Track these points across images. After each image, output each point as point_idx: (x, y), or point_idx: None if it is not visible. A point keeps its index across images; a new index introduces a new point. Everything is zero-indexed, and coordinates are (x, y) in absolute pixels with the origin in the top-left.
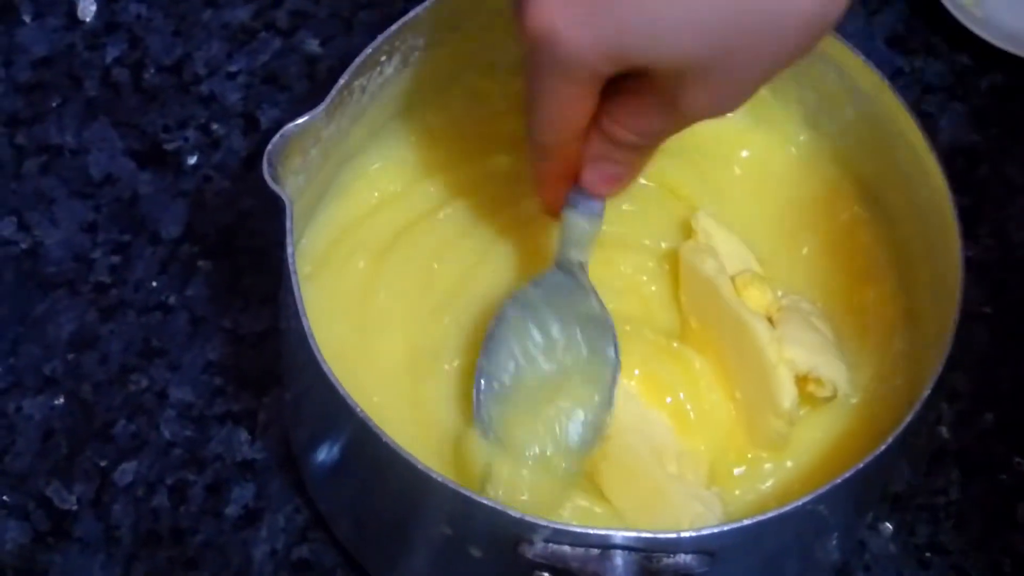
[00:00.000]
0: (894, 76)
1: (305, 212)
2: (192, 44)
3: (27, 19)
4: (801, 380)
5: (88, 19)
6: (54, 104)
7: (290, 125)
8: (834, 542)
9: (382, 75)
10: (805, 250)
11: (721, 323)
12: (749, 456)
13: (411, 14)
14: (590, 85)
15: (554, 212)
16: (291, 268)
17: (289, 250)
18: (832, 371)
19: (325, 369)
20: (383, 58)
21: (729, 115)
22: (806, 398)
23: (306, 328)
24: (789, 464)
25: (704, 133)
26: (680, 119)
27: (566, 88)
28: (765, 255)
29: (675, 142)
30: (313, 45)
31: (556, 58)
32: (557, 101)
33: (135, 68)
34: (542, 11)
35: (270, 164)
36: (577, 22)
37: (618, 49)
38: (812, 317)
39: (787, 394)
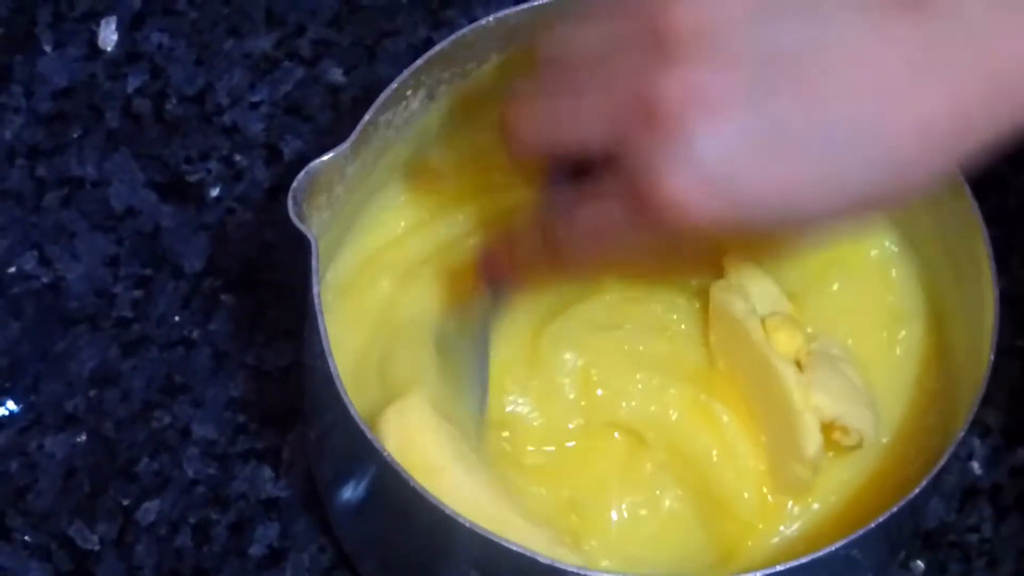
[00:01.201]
0: None
1: (330, 247)
2: (214, 74)
3: (48, 49)
4: (827, 428)
5: (109, 49)
6: (75, 135)
7: (315, 162)
8: None
9: (407, 109)
10: (836, 286)
11: (749, 365)
12: (770, 499)
13: (436, 48)
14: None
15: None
16: (317, 308)
17: (315, 289)
18: (859, 420)
19: (351, 410)
20: (408, 92)
21: None
22: (831, 445)
23: (332, 369)
24: (816, 506)
25: None
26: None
27: (648, 239)
28: (795, 292)
29: None
30: (337, 74)
31: (669, 225)
32: (627, 243)
33: (157, 98)
34: (678, 185)
35: (295, 202)
36: (709, 200)
37: (734, 222)
38: (842, 363)
39: (812, 441)
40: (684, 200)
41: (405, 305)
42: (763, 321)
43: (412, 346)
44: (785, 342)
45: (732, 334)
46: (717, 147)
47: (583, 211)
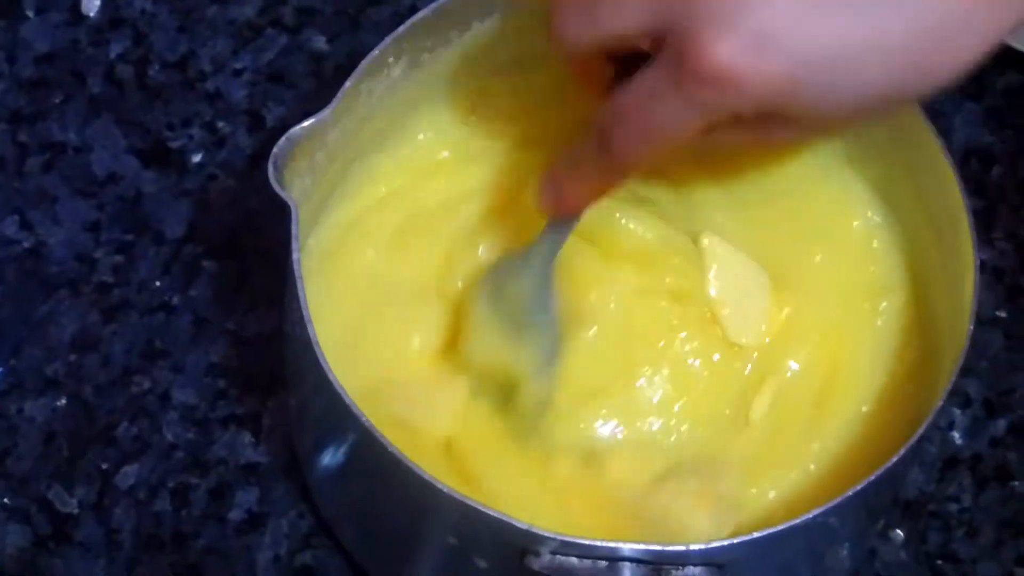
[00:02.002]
0: None
1: (312, 214)
2: (197, 41)
3: (30, 14)
4: None
5: (92, 14)
6: (57, 101)
7: (295, 128)
8: (845, 552)
9: (389, 76)
10: (818, 258)
11: None
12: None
13: (419, 15)
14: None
15: (555, 211)
16: (296, 274)
17: (295, 256)
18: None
19: (330, 376)
20: (390, 59)
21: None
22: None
23: (311, 336)
24: (796, 475)
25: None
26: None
27: (701, 119)
28: (778, 261)
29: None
30: (320, 42)
31: (722, 94)
32: (680, 126)
33: (139, 65)
34: (727, 49)
35: (275, 168)
36: (758, 62)
37: (785, 86)
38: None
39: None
40: (734, 64)
41: (392, 270)
42: None
43: (403, 310)
44: None
45: None
46: (763, 4)
47: (633, 99)
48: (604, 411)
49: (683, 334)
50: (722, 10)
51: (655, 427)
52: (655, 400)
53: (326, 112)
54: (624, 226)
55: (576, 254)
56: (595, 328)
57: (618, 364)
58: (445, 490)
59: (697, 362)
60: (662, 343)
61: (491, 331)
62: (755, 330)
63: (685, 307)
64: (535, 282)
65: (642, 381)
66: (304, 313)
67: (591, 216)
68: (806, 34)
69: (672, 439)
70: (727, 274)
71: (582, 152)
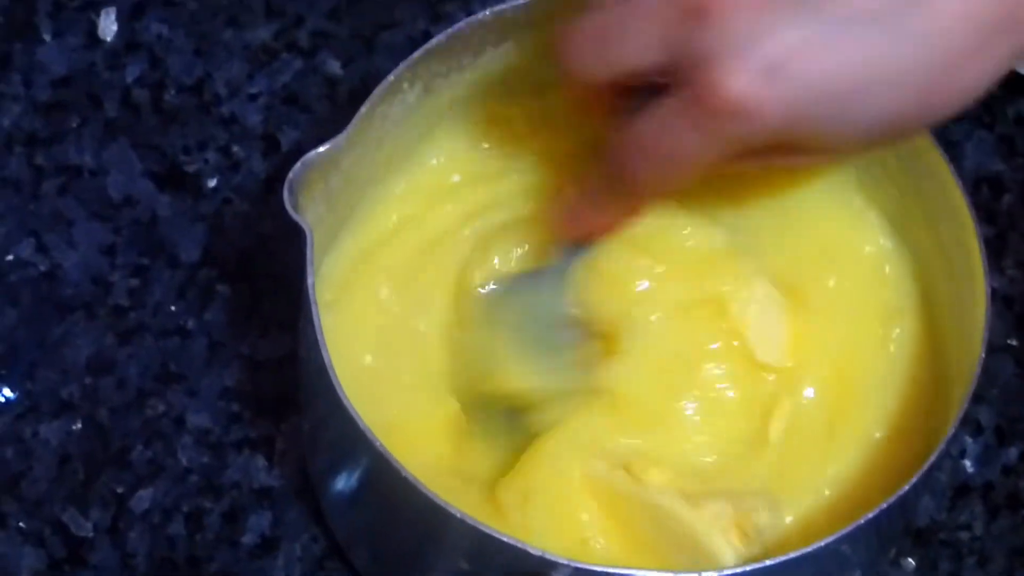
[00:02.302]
0: None
1: (326, 239)
2: (213, 64)
3: (47, 37)
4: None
5: (109, 38)
6: (73, 124)
7: (311, 153)
8: None
9: (404, 102)
10: (832, 282)
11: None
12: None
13: (433, 41)
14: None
15: (571, 238)
16: (311, 299)
17: (309, 280)
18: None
19: (344, 402)
20: (405, 85)
21: None
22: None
23: (326, 360)
24: (807, 502)
25: None
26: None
27: (717, 151)
28: (793, 287)
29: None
30: (335, 66)
31: (735, 124)
32: (696, 157)
33: (155, 88)
34: (739, 80)
35: (291, 192)
36: (771, 91)
37: (798, 113)
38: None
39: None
40: (748, 96)
41: (404, 298)
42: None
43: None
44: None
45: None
46: (772, 36)
47: (648, 131)
48: (645, 427)
49: (716, 349)
50: (735, 42)
51: (690, 446)
52: (694, 419)
53: (341, 137)
54: (688, 235)
55: (619, 261)
56: (641, 340)
57: (661, 380)
58: (458, 515)
59: (728, 383)
60: (701, 360)
61: (500, 355)
62: (778, 351)
63: (719, 323)
64: (550, 305)
65: (683, 400)
66: (319, 337)
67: (649, 222)
68: (817, 64)
69: (705, 459)
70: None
71: (598, 181)
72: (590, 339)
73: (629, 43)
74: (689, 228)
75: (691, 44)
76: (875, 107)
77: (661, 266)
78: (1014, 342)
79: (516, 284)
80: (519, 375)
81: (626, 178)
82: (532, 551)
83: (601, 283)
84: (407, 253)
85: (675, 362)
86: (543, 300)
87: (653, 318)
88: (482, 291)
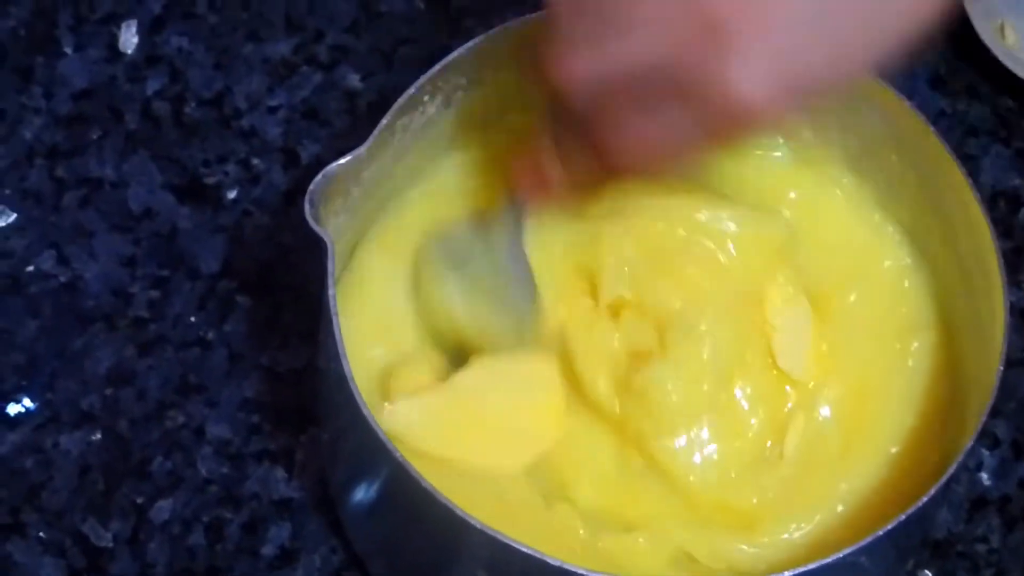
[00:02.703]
0: (937, 118)
1: (346, 250)
2: (233, 78)
3: (68, 51)
4: None
5: (130, 51)
6: (94, 137)
7: (332, 165)
8: None
9: (424, 115)
10: (853, 297)
11: None
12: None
13: (453, 55)
14: None
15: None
16: (332, 310)
17: (330, 292)
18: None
19: (364, 412)
20: (425, 98)
21: (776, 156)
22: None
23: (346, 371)
24: (823, 515)
25: (750, 177)
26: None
27: (711, 143)
28: (817, 302)
29: (725, 187)
30: (354, 80)
31: (743, 124)
32: (686, 148)
33: (176, 101)
34: (751, 86)
35: (312, 204)
36: (780, 91)
37: (800, 102)
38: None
39: None
40: (758, 98)
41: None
42: None
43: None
44: None
45: None
46: (779, 41)
47: (641, 122)
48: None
49: (748, 364)
50: (742, 49)
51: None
52: (713, 430)
53: (362, 149)
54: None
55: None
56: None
57: (691, 392)
58: (478, 525)
59: (751, 402)
60: (732, 379)
61: (452, 297)
62: (800, 361)
63: (756, 329)
64: (501, 259)
65: (706, 415)
66: (339, 349)
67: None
68: (818, 54)
69: (715, 473)
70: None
71: (575, 148)
72: (539, 296)
73: (629, 39)
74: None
75: (701, 57)
76: (864, 66)
77: (723, 255)
78: None
79: (466, 233)
80: (469, 319)
81: (612, 158)
82: (550, 560)
83: (660, 267)
84: (427, 257)
85: (709, 375)
86: (495, 251)
87: (703, 327)
88: (436, 242)
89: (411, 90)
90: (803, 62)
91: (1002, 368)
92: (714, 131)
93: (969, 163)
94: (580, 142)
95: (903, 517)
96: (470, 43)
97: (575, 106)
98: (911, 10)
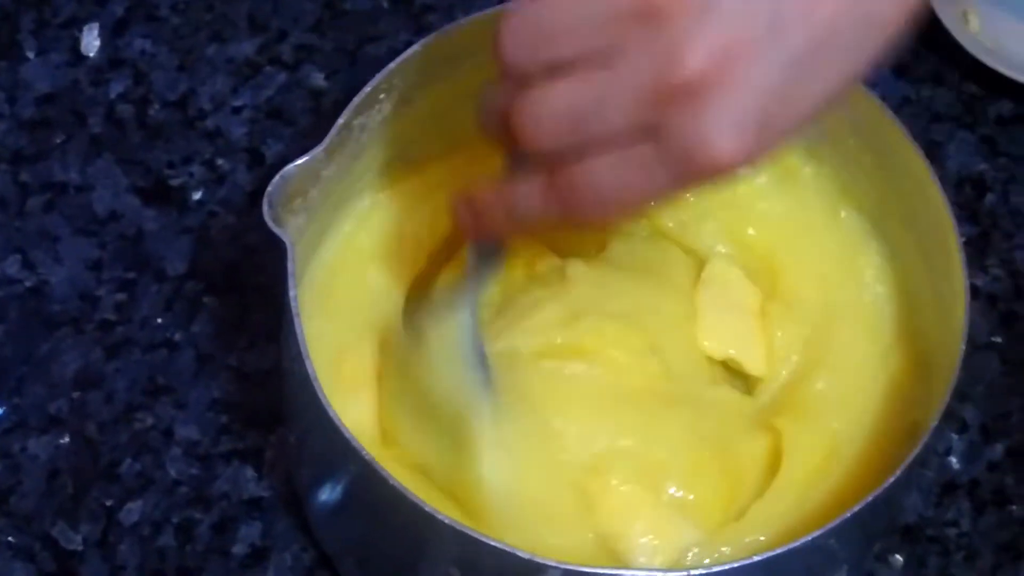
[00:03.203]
0: (901, 105)
1: (308, 249)
2: (197, 79)
3: (31, 55)
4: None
5: (92, 55)
6: (58, 141)
7: (289, 167)
8: (844, 575)
9: (381, 112)
10: (813, 287)
11: None
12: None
13: (408, 52)
14: None
15: (473, 233)
16: (294, 310)
17: (291, 292)
18: (749, 359)
19: (329, 412)
20: (381, 96)
21: None
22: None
23: (310, 371)
24: (793, 502)
25: None
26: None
27: (680, 189)
28: (772, 293)
29: None
30: (318, 79)
31: (715, 175)
32: (659, 197)
33: (139, 104)
34: (726, 141)
35: (271, 206)
36: (754, 143)
37: (771, 152)
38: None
39: None
40: (732, 151)
41: (389, 303)
42: None
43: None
44: None
45: None
46: (754, 94)
47: (606, 165)
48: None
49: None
50: (716, 105)
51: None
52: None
53: (319, 149)
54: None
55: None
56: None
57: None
58: (447, 521)
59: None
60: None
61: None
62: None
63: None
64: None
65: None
66: (302, 349)
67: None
68: (792, 103)
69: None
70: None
71: (523, 186)
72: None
73: (599, 124)
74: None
75: (674, 116)
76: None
77: None
78: (998, 339)
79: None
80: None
81: (572, 205)
82: (521, 554)
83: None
84: (388, 255)
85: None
86: (461, 326)
87: None
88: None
89: (367, 88)
90: (789, 108)
91: (964, 348)
92: (686, 182)
93: (934, 149)
94: (538, 182)
95: (869, 499)
96: (425, 39)
97: (541, 147)
98: (889, 21)
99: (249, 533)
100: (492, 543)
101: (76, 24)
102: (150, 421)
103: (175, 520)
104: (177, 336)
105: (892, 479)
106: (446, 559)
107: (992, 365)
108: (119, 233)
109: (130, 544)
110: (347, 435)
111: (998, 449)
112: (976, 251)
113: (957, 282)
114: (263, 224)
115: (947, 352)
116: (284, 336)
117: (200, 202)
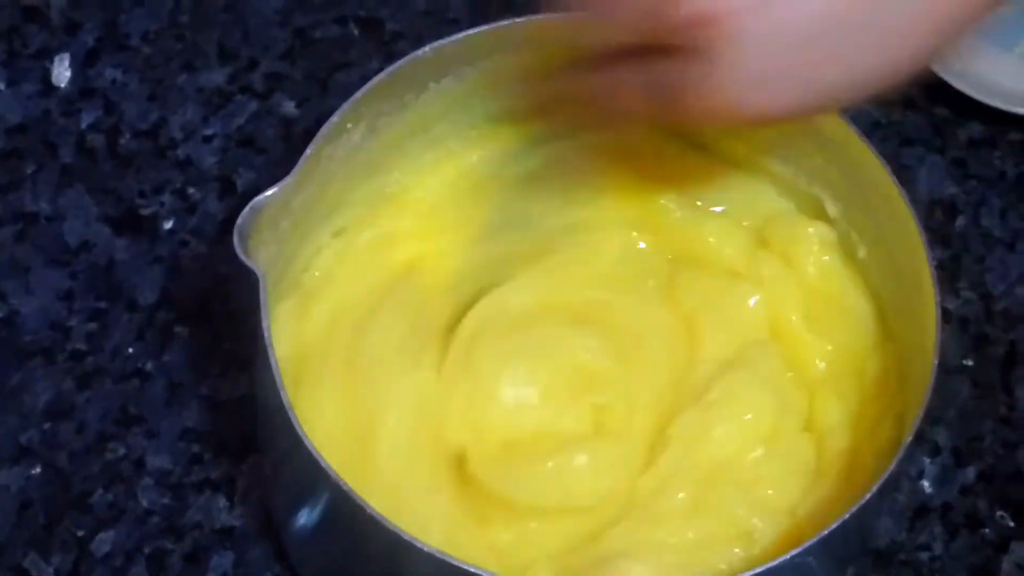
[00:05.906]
0: (872, 129)
1: (280, 279)
2: (167, 108)
3: (1, 86)
4: None
5: (63, 85)
6: (29, 171)
7: (259, 197)
8: None
9: (350, 141)
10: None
11: None
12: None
13: (375, 80)
14: None
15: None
16: (267, 341)
17: (264, 323)
18: None
19: (305, 441)
20: (349, 125)
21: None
22: None
23: (284, 401)
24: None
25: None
26: None
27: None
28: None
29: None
30: (289, 107)
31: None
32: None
33: (110, 133)
34: (762, 97)
35: (241, 238)
36: (784, 100)
37: (799, 108)
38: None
39: None
40: (767, 108)
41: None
42: None
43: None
44: None
45: None
46: (774, 43)
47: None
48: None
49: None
50: (735, 52)
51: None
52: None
53: (288, 180)
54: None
55: None
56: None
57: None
58: (425, 549)
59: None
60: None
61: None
62: None
63: None
64: None
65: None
66: (276, 379)
67: None
68: (819, 60)
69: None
70: None
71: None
72: None
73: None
74: None
75: (696, 54)
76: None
77: None
78: (970, 363)
79: None
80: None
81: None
82: None
83: None
84: (362, 284)
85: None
86: None
87: None
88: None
89: (334, 118)
90: (816, 64)
91: (936, 360)
92: (709, 118)
93: (905, 172)
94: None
95: (838, 522)
96: (390, 67)
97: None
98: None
99: (221, 563)
100: (469, 569)
101: (47, 55)
102: (122, 451)
103: (147, 550)
104: (148, 366)
105: (862, 501)
106: None
107: (964, 388)
108: (90, 263)
109: (102, 575)
110: (323, 464)
111: (970, 473)
112: (948, 274)
113: (929, 306)
114: (234, 253)
115: (921, 377)
116: (257, 366)
117: (171, 231)
